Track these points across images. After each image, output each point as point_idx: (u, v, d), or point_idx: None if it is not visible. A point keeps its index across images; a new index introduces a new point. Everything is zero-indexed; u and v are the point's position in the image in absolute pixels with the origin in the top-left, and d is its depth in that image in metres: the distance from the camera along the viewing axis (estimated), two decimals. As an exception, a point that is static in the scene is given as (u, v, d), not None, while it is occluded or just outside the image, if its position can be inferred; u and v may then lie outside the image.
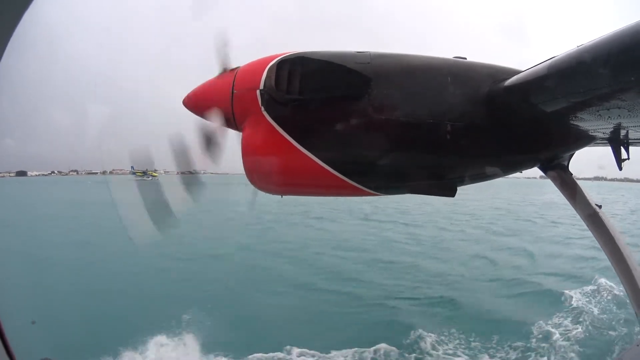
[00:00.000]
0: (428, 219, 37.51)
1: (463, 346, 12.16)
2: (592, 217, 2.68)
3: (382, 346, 11.68)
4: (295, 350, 11.49)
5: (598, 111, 1.72)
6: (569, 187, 2.64)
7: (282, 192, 2.40)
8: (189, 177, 2.41)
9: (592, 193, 2.78)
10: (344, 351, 11.53)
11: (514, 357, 11.65)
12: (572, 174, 2.65)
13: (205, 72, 2.44)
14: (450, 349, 11.97)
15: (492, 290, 17.55)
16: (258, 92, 2.13)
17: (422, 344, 12.04)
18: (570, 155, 2.63)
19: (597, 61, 1.41)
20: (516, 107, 2.14)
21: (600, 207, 2.69)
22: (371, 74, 2.10)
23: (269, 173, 2.19)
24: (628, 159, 2.20)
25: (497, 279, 19.19)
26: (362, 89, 2.08)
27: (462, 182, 2.33)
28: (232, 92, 2.20)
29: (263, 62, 2.19)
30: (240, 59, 2.35)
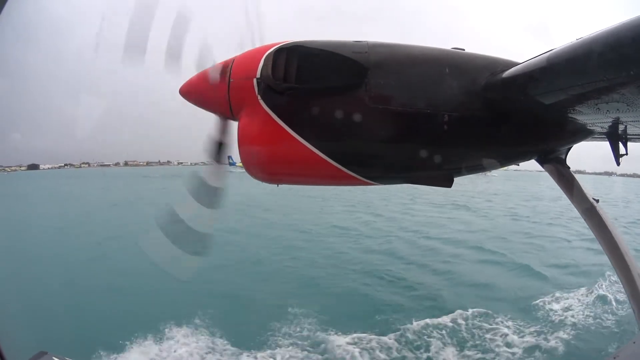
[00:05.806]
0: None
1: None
2: (590, 211, 2.66)
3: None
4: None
5: (597, 105, 1.69)
6: (567, 181, 2.62)
7: (279, 182, 2.43)
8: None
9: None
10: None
11: None
12: (569, 168, 2.64)
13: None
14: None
15: None
16: (255, 81, 2.13)
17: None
18: (568, 148, 2.60)
19: (597, 54, 1.38)
20: (514, 99, 2.12)
21: (597, 201, 2.67)
22: (368, 63, 2.09)
23: (265, 162, 2.20)
24: (626, 154, 2.18)
25: None
26: (359, 78, 2.07)
27: (459, 173, 2.34)
28: (229, 81, 2.19)
29: (260, 51, 2.19)
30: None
